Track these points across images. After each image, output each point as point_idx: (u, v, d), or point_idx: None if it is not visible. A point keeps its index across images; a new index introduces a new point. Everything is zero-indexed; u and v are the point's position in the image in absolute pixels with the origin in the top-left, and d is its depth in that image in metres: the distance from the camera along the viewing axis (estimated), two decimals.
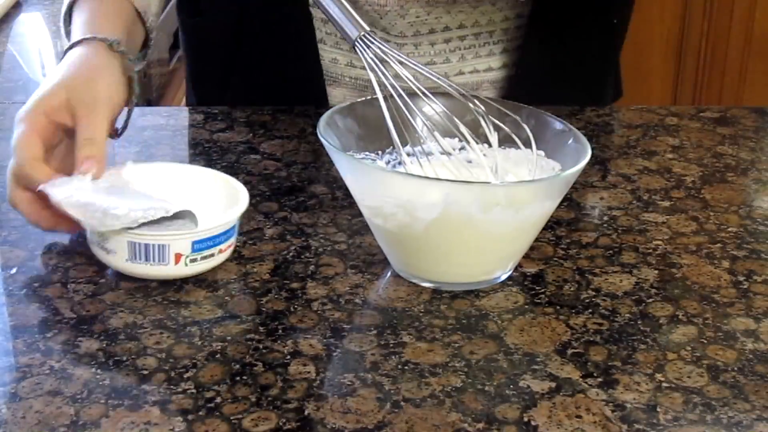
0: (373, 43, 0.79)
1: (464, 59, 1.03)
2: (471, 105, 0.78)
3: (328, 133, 0.76)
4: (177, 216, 0.76)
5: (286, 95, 1.06)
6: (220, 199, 0.80)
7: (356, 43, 0.80)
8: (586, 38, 1.07)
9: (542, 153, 0.79)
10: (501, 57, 1.05)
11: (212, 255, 0.76)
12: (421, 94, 0.78)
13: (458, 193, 0.71)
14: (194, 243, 0.74)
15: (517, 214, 0.72)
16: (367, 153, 0.81)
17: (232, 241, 0.78)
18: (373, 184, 0.74)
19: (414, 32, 1.00)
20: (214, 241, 0.75)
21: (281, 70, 1.06)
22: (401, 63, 0.78)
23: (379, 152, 0.81)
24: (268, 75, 1.07)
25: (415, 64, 0.79)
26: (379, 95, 0.77)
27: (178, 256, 0.74)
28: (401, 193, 0.72)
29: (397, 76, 0.78)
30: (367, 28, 0.80)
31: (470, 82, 1.04)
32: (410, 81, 0.78)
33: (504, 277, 0.77)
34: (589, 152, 0.74)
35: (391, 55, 0.79)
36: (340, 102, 1.05)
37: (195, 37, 1.13)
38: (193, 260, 0.75)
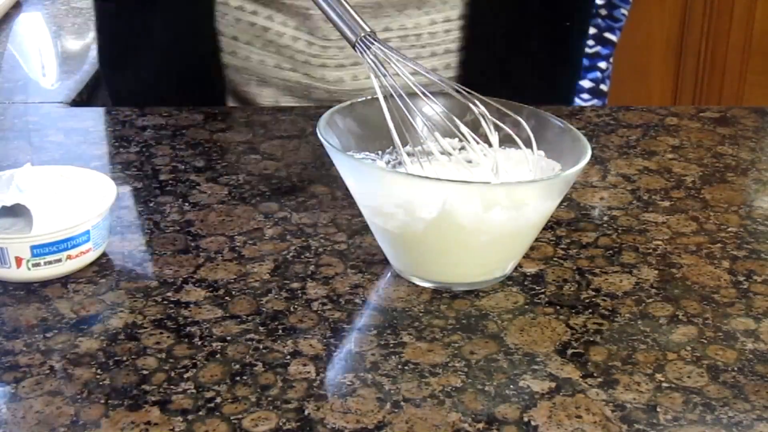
0: (373, 43, 0.79)
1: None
2: (471, 105, 0.78)
3: (328, 133, 0.76)
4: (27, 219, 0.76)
5: (183, 88, 1.06)
6: (92, 205, 0.78)
7: (357, 44, 0.80)
8: (530, 40, 1.06)
9: (542, 153, 0.79)
10: (430, 60, 1.05)
11: (59, 261, 0.74)
12: (421, 94, 0.78)
13: (458, 193, 0.71)
14: (33, 248, 0.73)
15: (517, 214, 0.72)
16: (367, 153, 0.81)
17: (87, 247, 0.76)
18: (373, 184, 0.74)
19: (339, 35, 1.00)
20: (57, 246, 0.74)
21: (179, 60, 1.06)
22: (401, 63, 0.78)
23: (379, 152, 0.81)
24: (169, 63, 1.07)
25: (415, 64, 0.79)
26: (380, 95, 0.77)
27: (18, 260, 0.73)
28: (401, 193, 0.72)
29: (396, 75, 0.78)
30: (368, 29, 0.80)
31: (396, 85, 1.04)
32: (410, 81, 0.78)
33: (504, 277, 0.77)
34: (589, 152, 0.74)
35: (392, 56, 0.79)
36: (271, 101, 1.06)
37: (106, 22, 1.13)
38: (36, 265, 0.74)
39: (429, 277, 0.76)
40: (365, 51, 0.79)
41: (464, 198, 0.71)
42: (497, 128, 0.79)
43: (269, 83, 1.05)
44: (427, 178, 0.73)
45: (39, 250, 0.74)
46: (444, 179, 0.73)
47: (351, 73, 1.00)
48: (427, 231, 0.72)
